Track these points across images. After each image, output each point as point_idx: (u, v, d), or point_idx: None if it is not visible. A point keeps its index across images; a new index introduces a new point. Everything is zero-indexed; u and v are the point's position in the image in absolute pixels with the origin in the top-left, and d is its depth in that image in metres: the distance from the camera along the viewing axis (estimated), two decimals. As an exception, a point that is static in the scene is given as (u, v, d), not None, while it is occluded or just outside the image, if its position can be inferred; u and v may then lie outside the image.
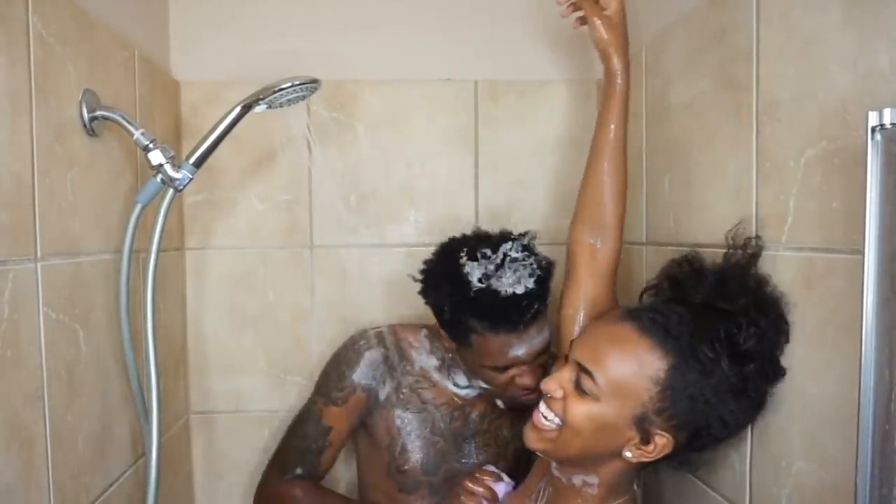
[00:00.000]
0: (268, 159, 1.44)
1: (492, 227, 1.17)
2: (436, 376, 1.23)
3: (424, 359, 1.24)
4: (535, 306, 1.06)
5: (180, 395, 1.42)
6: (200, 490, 1.49)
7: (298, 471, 1.20)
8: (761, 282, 0.83)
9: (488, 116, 1.47)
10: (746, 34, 0.88)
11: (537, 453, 0.94)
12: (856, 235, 0.67)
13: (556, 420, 0.86)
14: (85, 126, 0.97)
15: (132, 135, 0.97)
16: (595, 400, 0.82)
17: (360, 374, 1.21)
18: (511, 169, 1.48)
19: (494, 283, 1.05)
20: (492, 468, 1.08)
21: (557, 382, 0.87)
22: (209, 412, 1.48)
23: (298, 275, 1.46)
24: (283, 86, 1.01)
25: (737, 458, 0.91)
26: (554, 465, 0.94)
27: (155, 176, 0.98)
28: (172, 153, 0.98)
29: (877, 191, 0.58)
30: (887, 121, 0.57)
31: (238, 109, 1.00)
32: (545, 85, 1.48)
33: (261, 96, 1.01)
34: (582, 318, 0.98)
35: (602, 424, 0.83)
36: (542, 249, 1.13)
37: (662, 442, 0.82)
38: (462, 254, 1.09)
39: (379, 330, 1.26)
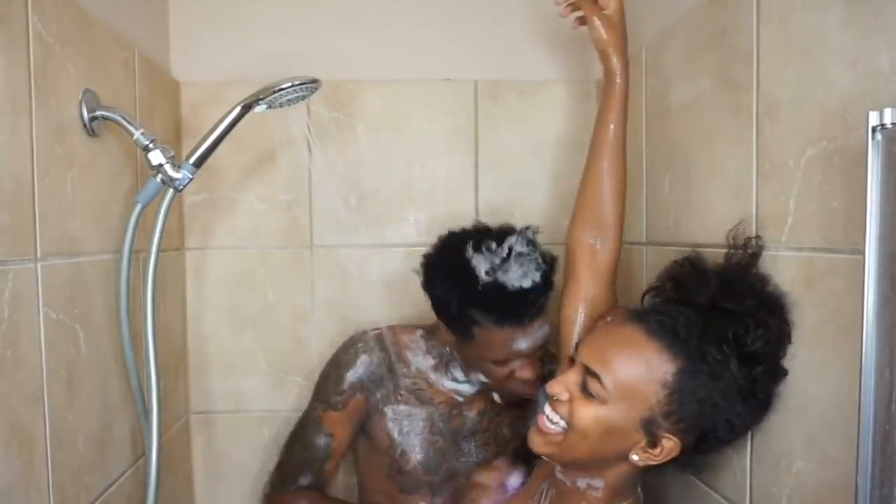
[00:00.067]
0: (268, 159, 1.44)
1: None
2: (433, 376, 1.23)
3: (420, 359, 1.23)
4: (541, 300, 1.06)
5: (180, 395, 1.42)
6: (200, 490, 1.49)
7: (303, 481, 1.19)
8: (764, 282, 0.83)
9: (488, 116, 1.47)
10: (746, 34, 0.88)
11: (542, 457, 0.93)
12: (856, 235, 0.67)
13: (562, 423, 0.85)
14: (85, 126, 0.97)
15: (132, 135, 0.97)
16: (602, 403, 0.82)
17: (358, 375, 1.21)
18: (511, 169, 1.48)
19: (501, 276, 1.04)
20: (503, 461, 1.07)
21: (563, 385, 0.85)
22: (209, 412, 1.48)
23: (298, 275, 1.46)
24: (283, 86, 1.01)
25: (737, 459, 0.91)
26: (558, 467, 0.93)
27: (155, 176, 0.98)
28: (172, 153, 0.98)
29: (877, 191, 0.58)
30: (888, 121, 0.57)
31: (238, 109, 1.00)
32: (545, 85, 1.48)
33: (261, 96, 1.01)
34: (582, 318, 0.98)
35: (609, 428, 0.82)
36: (542, 249, 1.13)
37: (670, 445, 0.81)
38: (467, 246, 1.07)
39: (377, 331, 1.26)
